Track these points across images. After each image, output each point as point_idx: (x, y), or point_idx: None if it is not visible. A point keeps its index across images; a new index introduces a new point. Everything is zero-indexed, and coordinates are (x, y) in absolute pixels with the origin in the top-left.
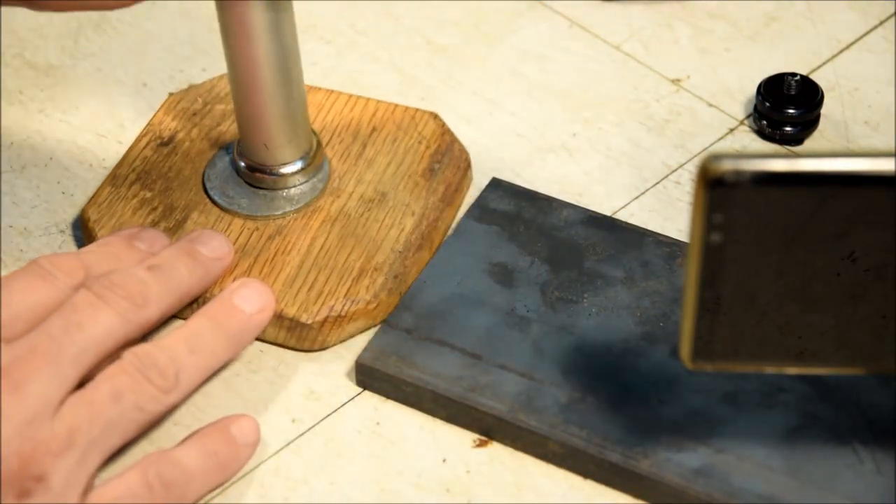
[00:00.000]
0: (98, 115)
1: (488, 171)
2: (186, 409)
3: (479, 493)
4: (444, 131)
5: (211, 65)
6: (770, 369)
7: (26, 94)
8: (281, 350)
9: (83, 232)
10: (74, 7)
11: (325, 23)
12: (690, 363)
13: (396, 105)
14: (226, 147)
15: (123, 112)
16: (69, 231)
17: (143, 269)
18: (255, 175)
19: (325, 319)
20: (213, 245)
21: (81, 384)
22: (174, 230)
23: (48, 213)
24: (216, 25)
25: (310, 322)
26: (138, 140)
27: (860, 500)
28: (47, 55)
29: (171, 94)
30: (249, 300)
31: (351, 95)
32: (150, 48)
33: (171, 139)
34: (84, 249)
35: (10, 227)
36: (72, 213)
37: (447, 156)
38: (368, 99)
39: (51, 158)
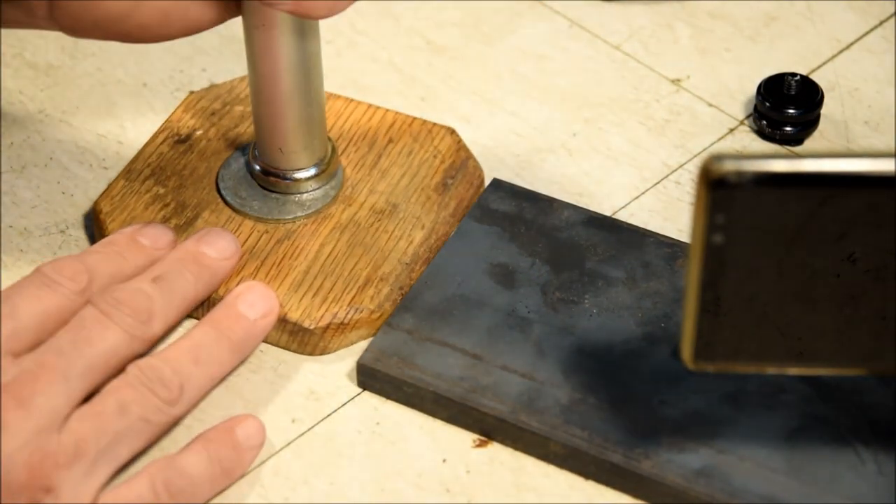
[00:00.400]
0: (98, 115)
1: (488, 172)
2: None
3: (479, 493)
4: (460, 147)
5: (211, 65)
6: (771, 370)
7: (26, 94)
8: (281, 350)
9: (94, 224)
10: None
11: (325, 23)
12: (692, 364)
13: (414, 118)
14: (242, 148)
15: (123, 112)
16: (69, 231)
17: (149, 281)
18: (269, 178)
19: (328, 326)
20: (221, 245)
21: (88, 399)
22: (185, 227)
23: (48, 213)
24: (217, 26)
25: (312, 328)
26: (155, 136)
27: (861, 501)
28: (47, 55)
29: (191, 93)
30: (254, 305)
31: (370, 105)
32: (150, 48)
33: (188, 137)
34: (88, 250)
35: (10, 227)
36: (72, 213)
37: (461, 171)
38: (387, 110)
39: (51, 158)
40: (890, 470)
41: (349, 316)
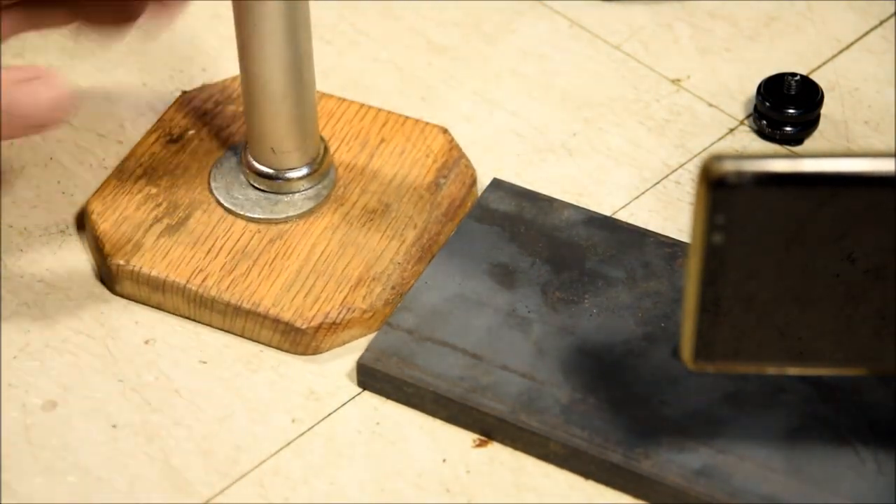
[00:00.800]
0: (98, 115)
1: (488, 172)
2: (187, 409)
3: (479, 493)
4: (453, 146)
5: (211, 64)
6: (771, 370)
7: None
8: (281, 350)
9: (86, 224)
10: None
11: (325, 23)
12: (691, 364)
13: (407, 117)
14: (234, 148)
15: (123, 112)
16: (69, 231)
17: None
18: (261, 178)
19: (320, 326)
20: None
21: None
22: (176, 227)
23: (48, 213)
24: (216, 25)
25: (304, 327)
26: (148, 135)
27: (861, 501)
28: (47, 55)
29: (184, 92)
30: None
31: (362, 105)
32: (150, 48)
33: (180, 136)
34: None
35: (10, 227)
36: (72, 213)
37: (454, 171)
38: (379, 109)
39: (51, 158)
40: (890, 470)
41: (341, 316)
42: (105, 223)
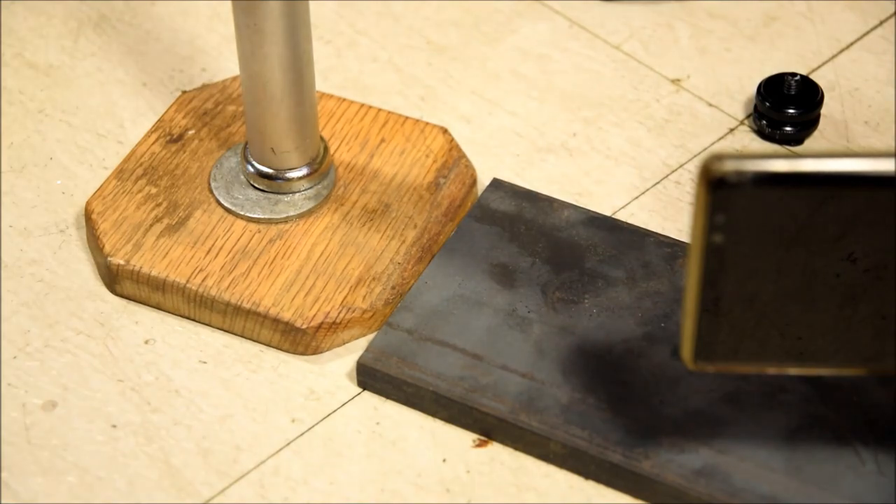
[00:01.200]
0: (98, 115)
1: (488, 172)
2: (187, 409)
3: (479, 493)
4: (453, 146)
5: (211, 64)
6: (771, 370)
7: (26, 94)
8: (281, 350)
9: (86, 224)
10: None
11: (325, 23)
12: (692, 364)
13: (407, 117)
14: (234, 148)
15: (123, 112)
16: (69, 231)
17: None
18: (261, 178)
19: (320, 325)
20: None
21: None
22: (176, 227)
23: (48, 213)
24: (216, 25)
25: (304, 327)
26: (148, 135)
27: (862, 501)
28: (47, 55)
29: (184, 92)
30: None
31: (362, 105)
32: (150, 48)
33: (180, 136)
34: None
35: (11, 227)
36: (72, 213)
37: (453, 171)
38: (379, 109)
39: (51, 158)
40: (890, 470)
41: (341, 315)
42: (105, 223)
